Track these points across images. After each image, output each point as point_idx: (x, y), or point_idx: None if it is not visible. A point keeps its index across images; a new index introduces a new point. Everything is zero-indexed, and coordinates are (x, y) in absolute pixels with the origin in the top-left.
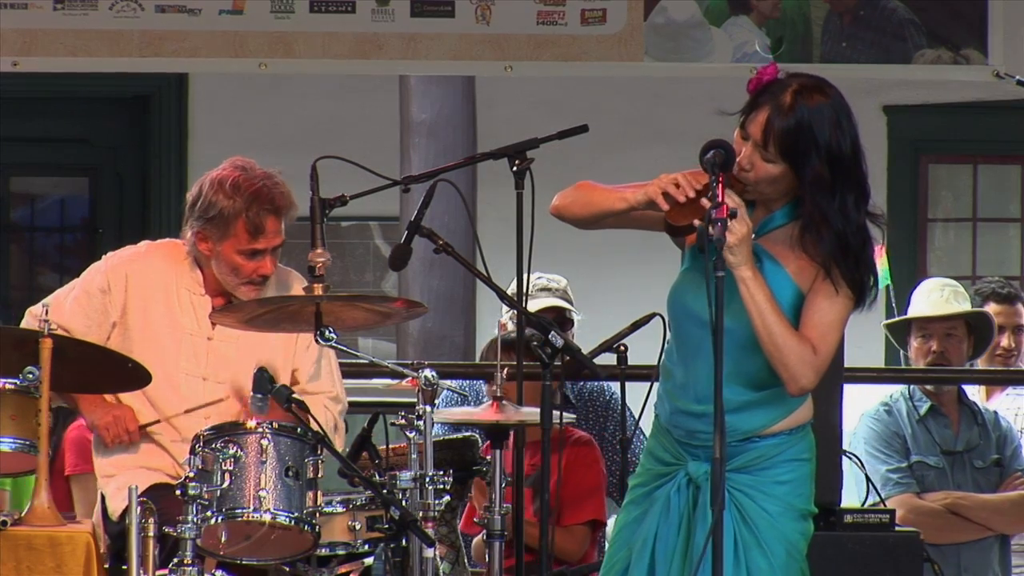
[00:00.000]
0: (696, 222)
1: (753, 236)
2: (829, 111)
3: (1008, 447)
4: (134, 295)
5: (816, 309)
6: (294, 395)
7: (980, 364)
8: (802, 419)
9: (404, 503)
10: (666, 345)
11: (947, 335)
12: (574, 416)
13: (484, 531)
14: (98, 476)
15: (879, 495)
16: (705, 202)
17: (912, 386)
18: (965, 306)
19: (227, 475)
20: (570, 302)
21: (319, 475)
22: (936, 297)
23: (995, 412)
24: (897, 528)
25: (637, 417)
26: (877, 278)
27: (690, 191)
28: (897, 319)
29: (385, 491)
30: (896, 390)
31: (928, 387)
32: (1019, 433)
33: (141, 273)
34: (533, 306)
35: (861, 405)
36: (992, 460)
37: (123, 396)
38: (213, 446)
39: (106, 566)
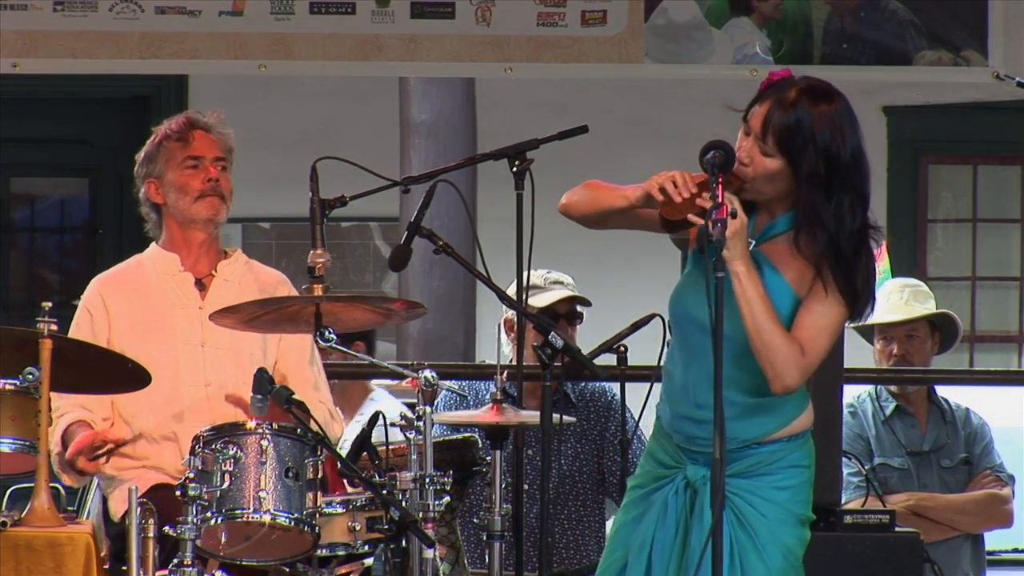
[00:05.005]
0: (691, 217)
1: (754, 242)
2: (833, 116)
3: (978, 445)
4: (116, 312)
5: (808, 312)
6: (294, 396)
7: None
8: (801, 427)
9: (404, 504)
10: (668, 346)
11: (908, 337)
12: (575, 417)
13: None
14: (100, 477)
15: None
16: (703, 197)
17: (880, 386)
18: (928, 305)
19: (227, 476)
20: None
21: (319, 476)
22: (896, 300)
23: (967, 409)
24: (897, 528)
25: (637, 418)
26: (874, 292)
27: (685, 192)
28: (859, 323)
29: (385, 492)
30: (864, 390)
31: (892, 387)
32: (991, 430)
33: (114, 288)
34: (548, 298)
35: None
36: (961, 459)
37: (122, 404)
38: (213, 447)
39: (106, 567)
